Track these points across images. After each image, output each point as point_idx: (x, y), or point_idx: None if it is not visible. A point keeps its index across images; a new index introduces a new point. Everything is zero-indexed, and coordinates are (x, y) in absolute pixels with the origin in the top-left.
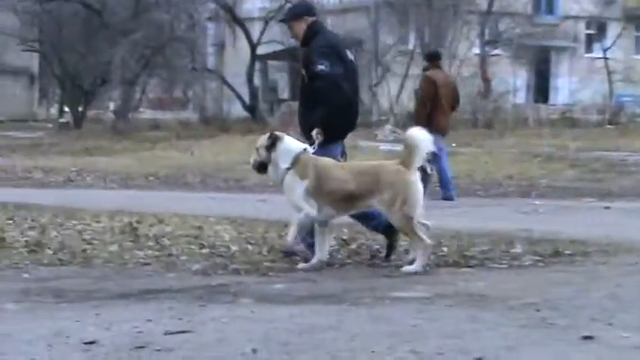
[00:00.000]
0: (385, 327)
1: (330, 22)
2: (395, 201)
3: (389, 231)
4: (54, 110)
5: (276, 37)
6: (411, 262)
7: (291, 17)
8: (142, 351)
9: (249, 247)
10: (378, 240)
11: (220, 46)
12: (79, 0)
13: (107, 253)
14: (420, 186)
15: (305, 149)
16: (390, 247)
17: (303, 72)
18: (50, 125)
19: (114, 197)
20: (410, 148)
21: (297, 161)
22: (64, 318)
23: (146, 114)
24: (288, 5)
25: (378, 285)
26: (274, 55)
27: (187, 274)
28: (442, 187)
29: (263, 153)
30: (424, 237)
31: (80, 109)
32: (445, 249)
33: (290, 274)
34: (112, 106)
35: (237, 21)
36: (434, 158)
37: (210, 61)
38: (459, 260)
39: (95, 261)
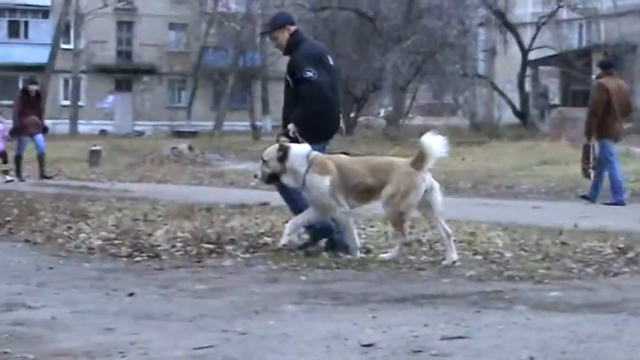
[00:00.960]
0: None
1: (603, 27)
2: (395, 196)
3: (317, 236)
4: None
5: (548, 43)
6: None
7: (274, 27)
8: (419, 355)
9: (523, 253)
10: None
11: (491, 52)
12: (353, 8)
13: None
14: (421, 190)
15: (310, 149)
16: (306, 246)
17: (288, 78)
18: None
19: None
20: (423, 152)
21: (311, 161)
22: (341, 320)
23: (416, 120)
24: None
25: None
26: (545, 61)
27: (461, 279)
28: (613, 192)
29: (275, 165)
30: (406, 234)
31: (352, 115)
32: None
33: (565, 281)
34: (382, 112)
35: (509, 26)
36: (605, 163)
37: (481, 67)
38: None
39: (370, 265)
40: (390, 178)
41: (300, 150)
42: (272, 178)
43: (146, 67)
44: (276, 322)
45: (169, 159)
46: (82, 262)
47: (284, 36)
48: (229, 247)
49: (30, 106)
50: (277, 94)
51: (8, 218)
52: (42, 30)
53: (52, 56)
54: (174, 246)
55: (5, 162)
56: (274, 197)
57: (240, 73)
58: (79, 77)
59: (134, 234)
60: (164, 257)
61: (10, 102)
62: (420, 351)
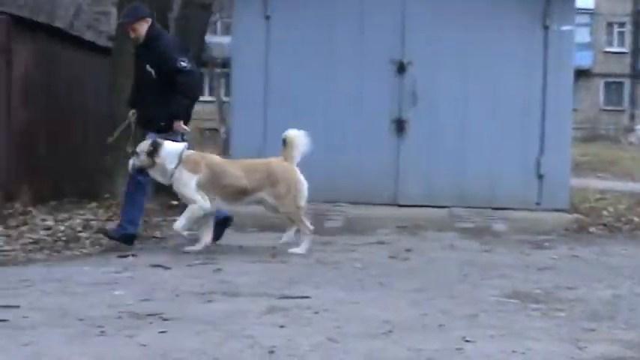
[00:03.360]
0: None
1: None
2: (287, 193)
3: (222, 225)
4: None
5: None
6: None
7: (136, 18)
8: None
9: None
10: None
11: None
12: None
13: None
14: (303, 180)
15: (184, 147)
16: (216, 238)
17: (149, 68)
18: None
19: None
20: (289, 147)
21: (182, 159)
22: None
23: None
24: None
25: None
26: None
27: None
28: None
29: (144, 158)
30: (308, 224)
31: None
32: None
33: None
34: None
35: None
36: None
37: None
38: None
39: None
40: (272, 178)
41: (172, 147)
42: (141, 170)
43: None
44: None
45: None
46: None
47: (143, 28)
48: None
49: None
50: None
51: None
52: None
53: None
54: None
55: None
56: None
57: None
58: None
59: None
60: None
61: None
62: None
